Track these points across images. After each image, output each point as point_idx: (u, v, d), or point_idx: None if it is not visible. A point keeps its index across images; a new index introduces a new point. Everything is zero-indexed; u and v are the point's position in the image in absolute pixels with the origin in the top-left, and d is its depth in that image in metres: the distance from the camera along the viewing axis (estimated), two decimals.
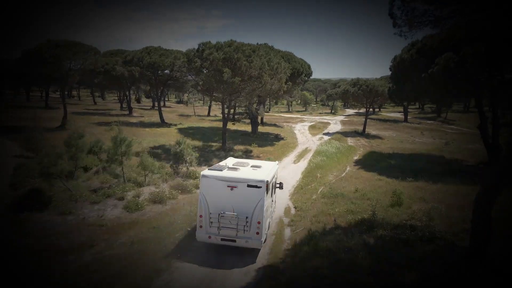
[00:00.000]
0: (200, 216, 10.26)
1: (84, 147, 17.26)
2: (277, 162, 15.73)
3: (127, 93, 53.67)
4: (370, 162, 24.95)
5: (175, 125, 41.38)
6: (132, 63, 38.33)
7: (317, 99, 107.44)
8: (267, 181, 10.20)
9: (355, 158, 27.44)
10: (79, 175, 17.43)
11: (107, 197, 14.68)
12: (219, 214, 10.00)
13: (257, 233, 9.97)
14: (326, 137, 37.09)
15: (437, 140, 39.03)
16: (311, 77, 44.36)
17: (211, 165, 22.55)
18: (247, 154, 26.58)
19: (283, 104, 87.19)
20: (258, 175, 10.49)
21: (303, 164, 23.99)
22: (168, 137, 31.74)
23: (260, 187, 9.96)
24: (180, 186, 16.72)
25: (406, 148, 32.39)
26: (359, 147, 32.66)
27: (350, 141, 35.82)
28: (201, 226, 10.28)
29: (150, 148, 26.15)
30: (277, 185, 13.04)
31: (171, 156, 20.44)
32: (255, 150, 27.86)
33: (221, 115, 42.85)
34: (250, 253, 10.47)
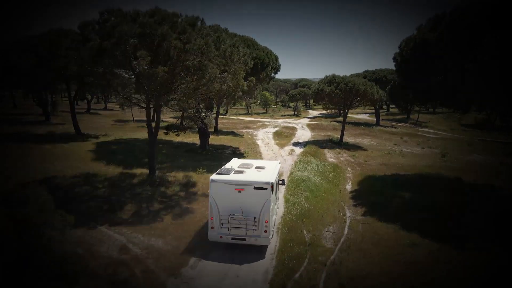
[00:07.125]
0: (211, 218, 10.72)
1: None
2: (279, 161, 15.79)
3: (51, 94, 40.79)
4: (375, 198, 16.53)
5: (97, 137, 30.21)
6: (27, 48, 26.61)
7: (278, 100, 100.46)
8: (272, 182, 10.67)
9: (349, 188, 19.03)
10: None
11: None
12: (229, 216, 10.52)
13: (265, 231, 10.50)
14: (297, 150, 28.66)
15: (426, 149, 32.68)
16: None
17: (117, 220, 12.88)
18: (187, 190, 17.01)
19: (241, 105, 77.94)
20: (263, 177, 10.93)
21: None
22: (71, 160, 21.09)
23: (266, 188, 10.48)
24: None
25: (402, 165, 24.89)
26: (344, 165, 24.53)
27: (330, 155, 27.68)
28: (212, 227, 10.78)
29: (20, 187, 15.44)
30: (280, 182, 13.83)
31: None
32: (201, 180, 18.27)
33: (169, 120, 32.16)
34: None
